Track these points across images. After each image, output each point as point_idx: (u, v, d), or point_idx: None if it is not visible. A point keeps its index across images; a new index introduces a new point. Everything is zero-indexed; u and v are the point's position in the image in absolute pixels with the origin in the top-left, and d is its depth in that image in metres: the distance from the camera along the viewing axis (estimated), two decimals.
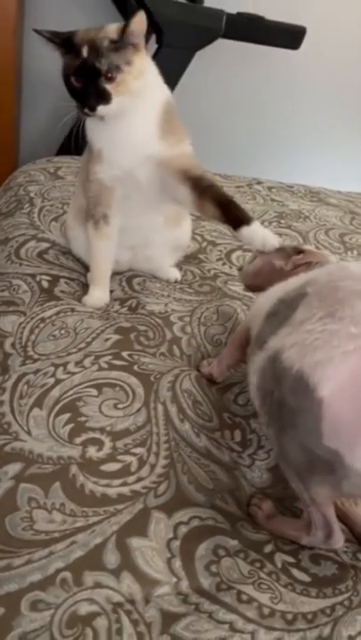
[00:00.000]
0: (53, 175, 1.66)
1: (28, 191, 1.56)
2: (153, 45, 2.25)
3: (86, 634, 0.63)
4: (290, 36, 2.24)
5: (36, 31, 1.02)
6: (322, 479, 0.70)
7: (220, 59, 2.46)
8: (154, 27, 2.16)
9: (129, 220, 1.18)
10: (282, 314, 0.80)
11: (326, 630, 0.66)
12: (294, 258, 1.02)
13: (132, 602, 0.67)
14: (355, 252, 1.53)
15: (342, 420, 0.65)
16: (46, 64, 2.60)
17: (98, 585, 0.69)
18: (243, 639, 0.64)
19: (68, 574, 0.70)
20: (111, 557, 0.72)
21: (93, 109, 1.01)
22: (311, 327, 0.72)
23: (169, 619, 0.66)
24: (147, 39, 2.24)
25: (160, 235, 1.25)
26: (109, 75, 0.99)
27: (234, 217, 1.08)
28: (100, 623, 0.65)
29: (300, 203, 1.77)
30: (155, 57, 2.19)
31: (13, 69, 2.35)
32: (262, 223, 1.51)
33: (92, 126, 1.11)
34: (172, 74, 2.15)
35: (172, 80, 2.18)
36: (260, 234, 1.06)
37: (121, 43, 1.00)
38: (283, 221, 1.62)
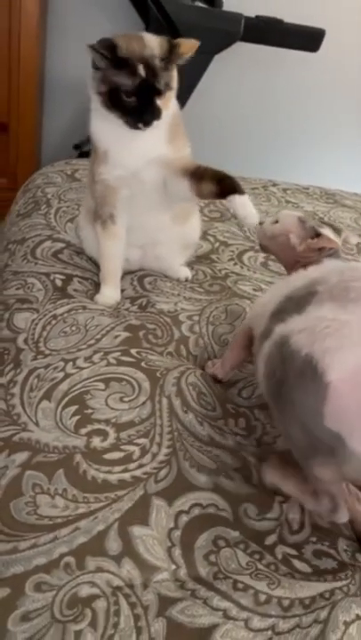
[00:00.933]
0: (70, 177, 1.70)
1: (45, 193, 1.60)
2: None
3: (85, 614, 0.66)
4: (309, 39, 2.26)
5: (91, 47, 1.02)
6: (324, 460, 0.71)
7: (237, 61, 2.49)
8: (172, 30, 2.19)
9: (135, 218, 1.22)
10: (290, 310, 0.82)
11: (323, 614, 0.68)
12: (309, 242, 1.02)
13: (131, 586, 0.70)
14: None
15: (347, 405, 0.67)
16: (68, 68, 2.68)
17: (99, 569, 0.71)
18: (236, 626, 0.66)
19: (71, 559, 0.73)
20: (113, 544, 0.74)
21: (149, 125, 1.07)
22: (322, 315, 0.74)
23: (165, 603, 0.68)
24: None
25: (168, 232, 1.28)
26: (163, 93, 1.05)
27: (228, 187, 1.11)
28: (100, 605, 0.67)
29: (316, 204, 1.79)
30: None
31: (36, 74, 2.40)
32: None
33: (99, 128, 1.14)
34: (190, 77, 2.19)
35: (191, 83, 2.22)
36: (247, 206, 1.10)
37: (169, 62, 1.04)
38: None
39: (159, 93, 1.05)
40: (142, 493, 0.81)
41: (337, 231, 1.08)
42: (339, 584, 0.72)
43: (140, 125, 1.07)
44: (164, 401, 0.96)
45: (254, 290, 1.33)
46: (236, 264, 1.44)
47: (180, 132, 1.17)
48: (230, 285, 1.34)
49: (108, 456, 0.86)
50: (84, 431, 0.89)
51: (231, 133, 2.67)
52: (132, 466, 0.85)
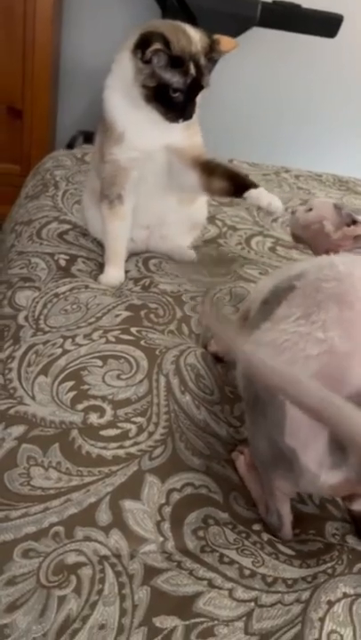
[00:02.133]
0: (80, 160, 1.71)
1: (53, 175, 1.61)
2: None
3: (70, 580, 0.67)
4: (326, 25, 2.25)
5: (149, 38, 1.02)
6: (284, 474, 0.73)
7: (254, 47, 2.48)
8: (189, 16, 2.19)
9: (143, 200, 1.22)
10: (270, 304, 0.83)
11: (305, 595, 0.69)
12: (345, 229, 1.01)
13: (117, 556, 0.71)
14: None
15: (301, 421, 0.68)
16: (83, 55, 2.69)
17: (87, 539, 0.72)
18: (220, 594, 0.67)
19: (60, 528, 0.74)
20: (103, 516, 0.75)
21: (189, 119, 1.11)
22: (285, 327, 0.75)
23: (151, 572, 0.69)
24: None
25: (174, 213, 1.28)
26: (204, 89, 1.09)
27: (241, 184, 1.14)
28: (85, 572, 0.68)
29: (328, 191, 1.78)
30: None
31: (50, 58, 2.41)
32: (287, 209, 1.54)
33: (119, 109, 1.14)
34: None
35: None
36: (266, 195, 1.13)
37: (210, 59, 1.07)
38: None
39: (201, 89, 1.08)
40: (136, 469, 0.82)
41: None
42: (322, 567, 0.72)
43: (181, 120, 1.10)
44: (162, 379, 0.97)
45: (260, 274, 1.33)
46: (243, 248, 1.44)
47: (194, 121, 1.17)
48: (237, 269, 1.34)
49: (104, 432, 0.87)
50: (80, 407, 0.90)
51: (247, 119, 2.66)
52: (127, 443, 0.86)
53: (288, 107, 2.69)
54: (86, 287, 1.17)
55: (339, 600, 0.68)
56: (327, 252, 1.01)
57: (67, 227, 1.38)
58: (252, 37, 2.29)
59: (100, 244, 1.33)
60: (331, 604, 0.67)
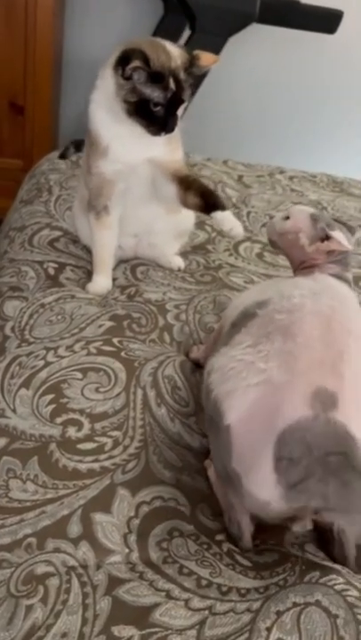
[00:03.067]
0: (75, 164, 1.75)
1: (48, 180, 1.66)
2: (186, 31, 2.31)
3: (38, 590, 0.73)
4: (326, 21, 2.25)
5: (128, 55, 1.06)
6: (233, 493, 0.78)
7: (253, 43, 2.49)
8: (187, 12, 2.21)
9: (130, 209, 1.27)
10: (236, 328, 0.88)
11: (256, 605, 0.73)
12: (319, 244, 1.02)
13: (84, 567, 0.76)
14: None
15: (243, 447, 0.74)
16: (86, 50, 2.72)
17: (57, 550, 0.78)
18: (176, 605, 0.72)
19: (33, 540, 0.79)
20: (74, 528, 0.81)
21: (170, 132, 1.14)
22: (235, 353, 0.80)
23: (114, 583, 0.75)
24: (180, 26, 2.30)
25: (162, 222, 1.33)
26: (185, 102, 1.13)
27: (212, 203, 1.19)
28: (53, 582, 0.74)
29: (321, 193, 1.81)
30: (188, 43, 2.26)
31: (52, 49, 2.42)
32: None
33: (104, 123, 1.18)
34: None
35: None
36: (230, 220, 1.19)
37: (190, 73, 1.11)
38: None
39: (182, 102, 1.12)
40: (109, 483, 0.87)
41: (351, 230, 1.08)
42: (275, 579, 0.77)
43: (163, 134, 1.14)
44: (139, 392, 1.02)
45: (245, 282, 1.37)
46: (231, 254, 1.48)
47: (175, 136, 1.21)
48: (222, 277, 1.38)
49: (81, 446, 0.92)
50: (59, 420, 0.96)
51: (246, 117, 2.67)
52: (102, 457, 0.91)
53: (286, 105, 2.70)
54: (72, 297, 1.22)
55: (288, 610, 0.72)
56: (302, 263, 1.04)
57: (58, 234, 1.43)
58: (251, 34, 2.30)
59: (90, 252, 1.38)
60: (280, 613, 0.72)
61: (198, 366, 1.11)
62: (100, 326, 1.15)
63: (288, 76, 2.63)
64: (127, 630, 0.69)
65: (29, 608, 0.71)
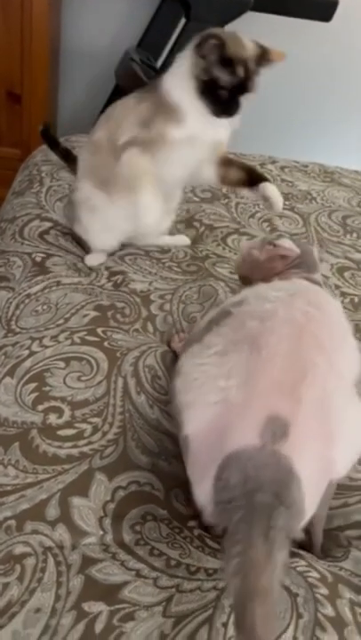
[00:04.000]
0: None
1: (40, 171, 1.69)
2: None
3: (15, 569, 0.78)
4: (321, 8, 2.26)
5: (208, 39, 1.17)
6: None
7: (248, 33, 2.50)
8: (182, 0, 2.23)
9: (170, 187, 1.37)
10: (211, 325, 0.89)
11: (222, 583, 0.78)
12: (267, 248, 1.08)
13: (60, 547, 0.81)
14: (354, 235, 1.59)
15: (195, 460, 0.75)
16: (84, 38, 2.74)
17: (35, 532, 0.82)
18: (145, 583, 0.77)
19: (12, 522, 0.84)
20: (52, 511, 0.85)
21: (231, 118, 1.25)
22: (201, 361, 0.80)
23: (87, 562, 0.79)
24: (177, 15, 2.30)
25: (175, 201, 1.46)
26: (249, 93, 1.22)
27: (256, 176, 1.33)
28: (29, 562, 0.79)
29: (312, 183, 1.84)
30: (183, 31, 2.28)
31: (48, 38, 2.44)
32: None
33: (183, 97, 1.24)
34: None
35: None
36: (275, 191, 1.31)
37: (259, 66, 1.22)
38: (287, 203, 1.69)
39: (247, 92, 1.22)
40: (87, 468, 0.91)
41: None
42: None
43: (224, 117, 1.24)
44: (120, 381, 1.06)
45: (231, 273, 1.41)
46: (218, 245, 1.51)
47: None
48: (208, 267, 1.42)
49: (61, 432, 0.96)
50: (41, 408, 1.00)
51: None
52: (81, 442, 0.95)
53: (279, 94, 2.71)
54: (58, 284, 1.26)
55: None
56: (265, 278, 1.03)
57: (48, 225, 1.46)
58: (246, 23, 2.32)
59: (81, 245, 1.42)
60: None
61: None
62: (85, 316, 1.19)
63: (284, 65, 2.64)
64: (97, 606, 0.74)
65: (6, 586, 0.76)
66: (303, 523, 0.72)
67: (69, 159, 1.62)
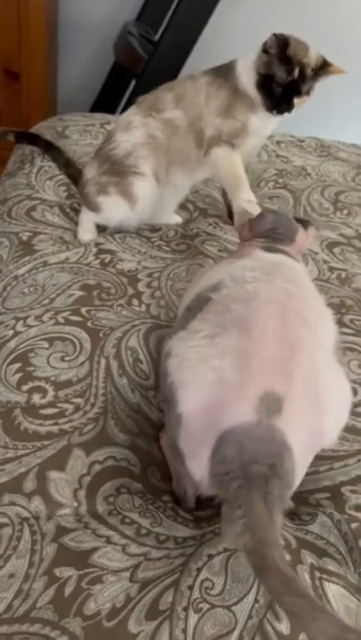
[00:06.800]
0: (60, 134, 1.83)
1: (32, 151, 1.74)
2: None
3: None
4: None
5: (275, 36, 1.28)
6: (180, 467, 0.87)
7: (248, 2, 2.52)
8: None
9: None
10: (192, 312, 0.94)
11: (190, 550, 0.84)
12: (239, 215, 1.21)
13: (36, 518, 0.87)
14: (345, 212, 1.63)
15: (190, 436, 0.81)
16: (83, 10, 2.76)
17: (12, 503, 0.89)
18: (114, 549, 0.83)
19: None
20: (29, 484, 0.91)
21: (280, 115, 1.35)
22: (193, 343, 0.85)
23: (61, 532, 0.85)
24: None
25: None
26: (301, 96, 1.32)
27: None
28: (5, 531, 0.85)
29: (307, 158, 1.86)
30: (179, 4, 2.29)
31: (44, 14, 2.47)
32: (259, 184, 1.65)
33: (250, 86, 1.35)
34: (199, 15, 2.25)
35: (200, 22, 2.29)
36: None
37: (317, 74, 1.31)
38: (280, 180, 1.73)
39: (299, 94, 1.31)
40: (65, 444, 0.97)
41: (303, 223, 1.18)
42: (211, 528, 0.87)
43: (274, 112, 1.34)
44: (103, 362, 1.11)
45: (219, 250, 1.45)
46: (210, 225, 1.56)
47: None
48: (197, 245, 1.47)
49: (43, 411, 1.02)
50: (25, 388, 1.06)
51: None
52: (62, 420, 1.01)
53: None
54: (45, 264, 1.32)
55: (219, 554, 0.82)
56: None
57: (35, 203, 1.52)
58: None
59: (68, 217, 1.48)
60: (211, 556, 0.82)
61: None
62: (70, 296, 1.24)
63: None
64: (67, 571, 0.80)
65: None
66: (292, 492, 0.80)
67: (50, 150, 1.70)
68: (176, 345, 0.88)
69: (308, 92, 1.33)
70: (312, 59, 1.30)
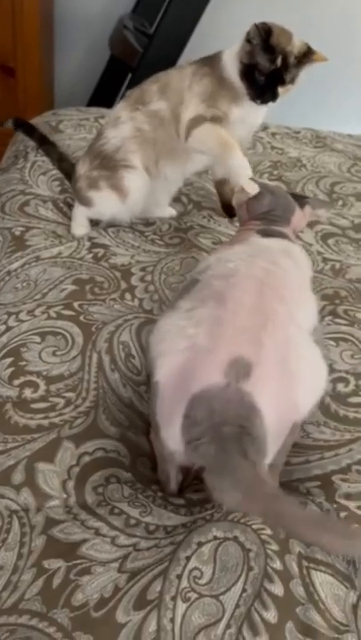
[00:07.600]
0: (54, 129, 1.84)
1: (26, 146, 1.75)
2: None
3: None
4: None
5: (255, 27, 1.27)
6: (159, 442, 0.88)
7: None
8: None
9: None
10: (180, 294, 0.97)
11: (179, 538, 0.84)
12: (237, 194, 1.22)
13: (26, 510, 0.88)
14: (340, 203, 1.63)
15: (164, 403, 0.83)
16: (78, 5, 2.76)
17: (1, 496, 0.90)
18: (103, 541, 0.84)
19: None
20: (18, 476, 0.92)
21: (264, 104, 1.34)
22: (173, 318, 0.89)
23: (50, 523, 0.86)
24: None
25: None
26: (285, 84, 1.31)
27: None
28: None
29: (302, 150, 1.86)
30: None
31: (38, 8, 2.47)
32: (254, 176, 1.65)
33: (235, 75, 1.34)
34: (194, 7, 2.25)
35: (195, 14, 2.29)
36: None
37: (300, 62, 1.30)
38: (275, 172, 1.73)
39: (283, 83, 1.30)
40: (55, 437, 0.98)
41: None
42: (202, 514, 0.88)
43: (258, 102, 1.33)
44: (95, 356, 1.12)
45: (213, 243, 1.46)
46: (204, 218, 1.56)
47: None
48: (191, 238, 1.47)
49: (35, 405, 1.03)
50: (17, 382, 1.06)
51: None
52: (53, 414, 1.02)
53: None
54: (37, 259, 1.33)
55: (208, 542, 0.83)
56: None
57: (28, 198, 1.52)
58: None
59: (61, 212, 1.50)
60: (200, 544, 0.83)
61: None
62: (63, 290, 1.25)
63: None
64: (56, 563, 0.81)
65: None
66: (266, 460, 0.82)
67: (45, 144, 1.70)
68: (159, 322, 0.92)
69: (292, 81, 1.31)
70: (295, 46, 1.29)
